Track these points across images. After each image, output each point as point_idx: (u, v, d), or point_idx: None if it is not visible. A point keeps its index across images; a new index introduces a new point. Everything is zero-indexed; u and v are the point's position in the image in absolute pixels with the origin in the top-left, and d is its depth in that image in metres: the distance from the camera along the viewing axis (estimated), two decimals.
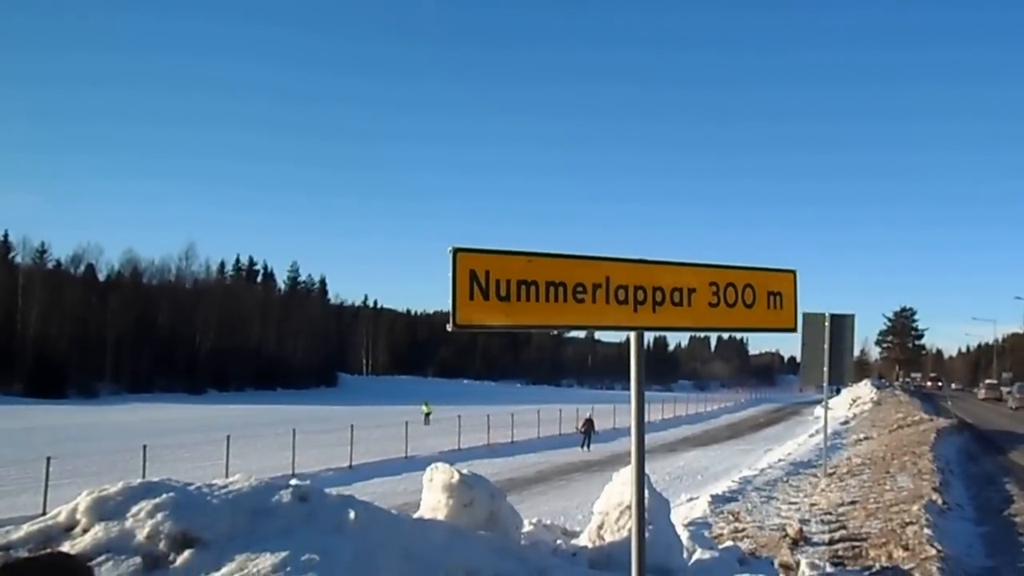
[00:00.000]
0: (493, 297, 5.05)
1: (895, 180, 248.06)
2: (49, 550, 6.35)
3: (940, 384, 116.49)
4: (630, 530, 6.96)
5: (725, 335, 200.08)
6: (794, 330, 6.19)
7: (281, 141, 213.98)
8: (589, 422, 40.34)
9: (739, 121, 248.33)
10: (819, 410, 29.91)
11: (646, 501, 6.93)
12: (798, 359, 21.58)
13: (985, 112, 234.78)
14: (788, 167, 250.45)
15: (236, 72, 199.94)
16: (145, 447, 25.42)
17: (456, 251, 4.98)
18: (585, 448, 37.89)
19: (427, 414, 51.08)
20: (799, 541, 11.74)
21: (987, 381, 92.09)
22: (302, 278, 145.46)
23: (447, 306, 5.01)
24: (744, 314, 5.96)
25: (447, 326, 5.02)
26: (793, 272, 6.13)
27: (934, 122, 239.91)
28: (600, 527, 9.04)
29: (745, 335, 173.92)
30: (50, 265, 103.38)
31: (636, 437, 5.78)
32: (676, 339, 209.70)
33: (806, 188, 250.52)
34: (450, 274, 4.93)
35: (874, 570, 8.73)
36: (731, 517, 14.77)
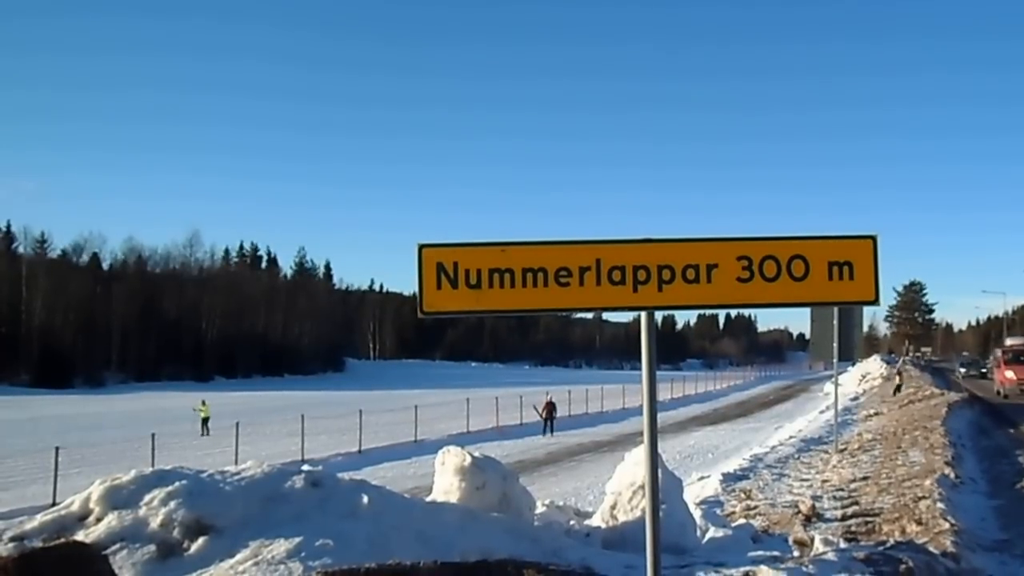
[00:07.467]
0: (462, 286, 5.51)
1: (904, 160, 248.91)
2: (63, 540, 6.34)
3: None
4: (643, 510, 6.93)
5: (733, 313, 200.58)
6: (875, 301, 5.87)
7: (283, 133, 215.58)
8: (551, 406, 38.35)
9: (749, 111, 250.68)
10: (829, 386, 29.87)
11: (659, 481, 6.90)
12: (807, 336, 21.53)
13: (991, 97, 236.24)
14: (797, 151, 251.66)
15: (238, 71, 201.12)
16: (154, 435, 25.46)
17: (422, 247, 5.55)
18: (549, 434, 36.39)
19: (205, 419, 38.46)
20: (812, 518, 11.72)
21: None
22: (307, 264, 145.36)
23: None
24: (793, 288, 5.65)
25: (418, 312, 5.59)
26: (872, 238, 5.69)
27: (942, 107, 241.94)
28: (613, 507, 9.02)
29: (753, 312, 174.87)
30: (52, 255, 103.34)
31: (648, 416, 5.72)
32: (684, 318, 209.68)
33: (817, 171, 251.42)
34: (416, 267, 5.50)
35: (888, 545, 8.69)
36: (743, 495, 14.74)
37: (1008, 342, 50.81)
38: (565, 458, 28.21)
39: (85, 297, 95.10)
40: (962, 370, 68.58)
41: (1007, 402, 38.01)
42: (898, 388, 45.38)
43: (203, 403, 39.92)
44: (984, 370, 63.31)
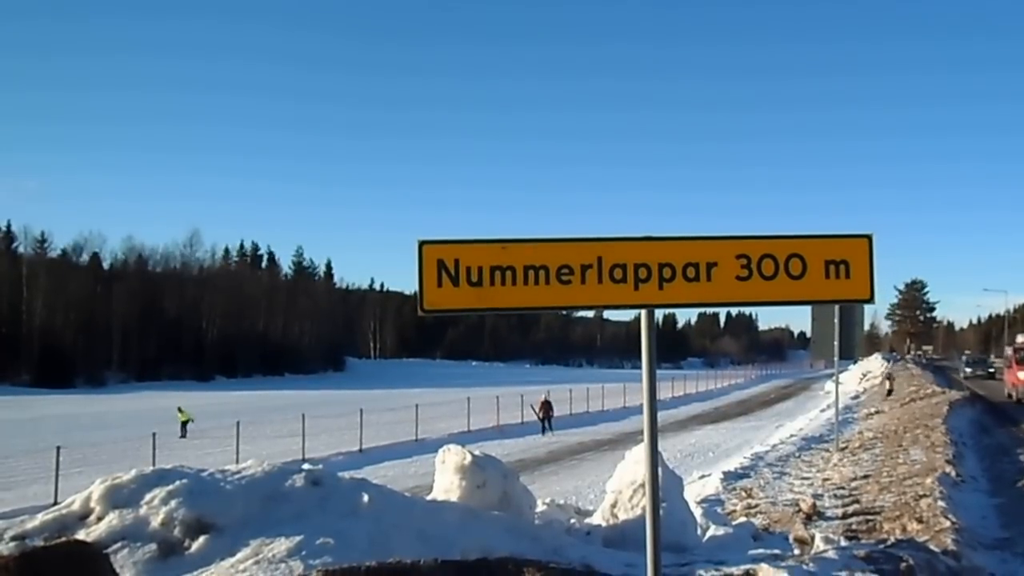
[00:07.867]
0: (463, 283, 5.47)
1: (904, 159, 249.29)
2: (65, 539, 6.34)
3: None
4: (644, 508, 6.93)
5: (734, 311, 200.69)
6: (870, 300, 5.87)
7: (283, 133, 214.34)
8: (547, 405, 38.11)
9: (748, 111, 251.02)
10: (830, 385, 29.84)
11: (659, 479, 6.90)
12: (808, 334, 21.51)
13: (991, 97, 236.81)
14: (796, 150, 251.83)
15: (238, 71, 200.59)
16: (155, 435, 25.47)
17: (422, 243, 5.49)
18: (548, 433, 36.18)
19: (184, 422, 38.49)
20: (813, 516, 11.72)
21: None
22: (307, 263, 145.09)
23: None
24: (791, 286, 5.67)
25: (418, 310, 5.55)
26: (868, 237, 5.71)
27: (943, 106, 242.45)
28: (613, 505, 9.02)
29: (754, 310, 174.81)
30: (52, 255, 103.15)
31: (649, 415, 5.72)
32: (685, 316, 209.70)
33: (817, 171, 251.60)
34: (416, 264, 5.45)
35: (889, 543, 8.69)
36: (744, 493, 14.75)
37: (1020, 339, 44.04)
38: (566, 457, 28.24)
39: (85, 297, 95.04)
40: (967, 370, 61.82)
41: (1009, 402, 37.61)
42: (889, 392, 44.72)
43: (180, 409, 39.59)
44: (992, 370, 58.13)
